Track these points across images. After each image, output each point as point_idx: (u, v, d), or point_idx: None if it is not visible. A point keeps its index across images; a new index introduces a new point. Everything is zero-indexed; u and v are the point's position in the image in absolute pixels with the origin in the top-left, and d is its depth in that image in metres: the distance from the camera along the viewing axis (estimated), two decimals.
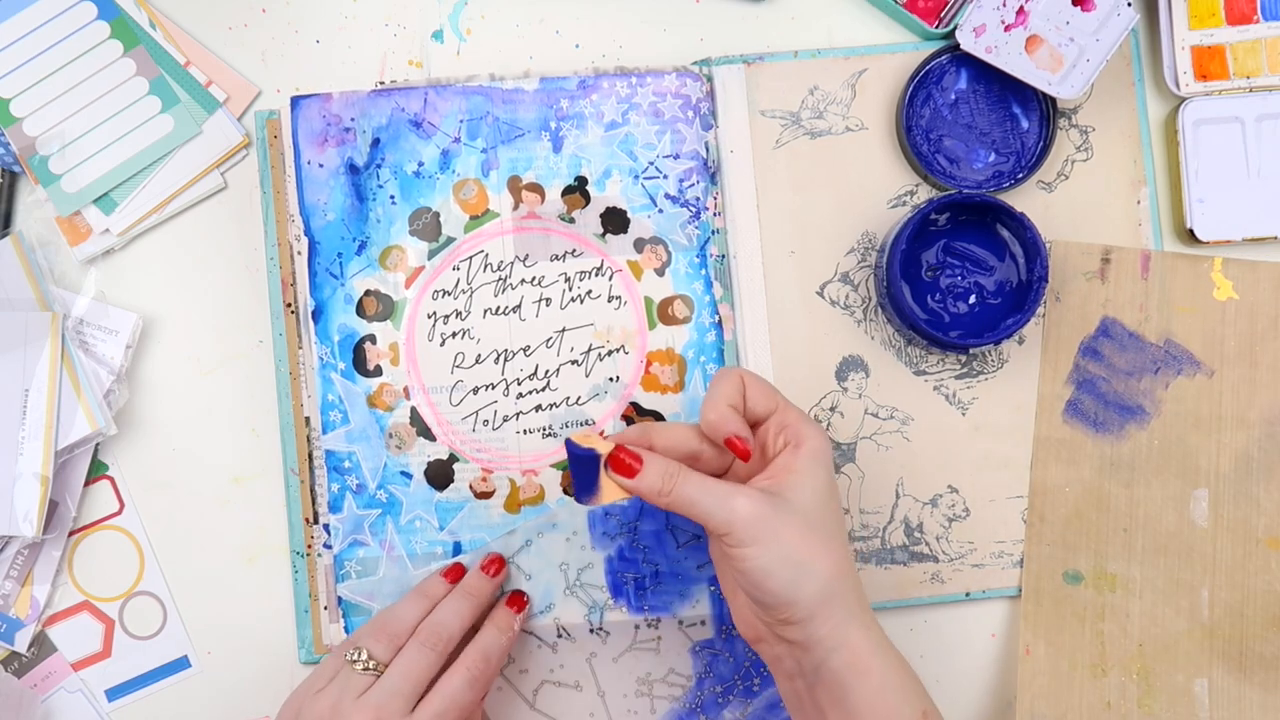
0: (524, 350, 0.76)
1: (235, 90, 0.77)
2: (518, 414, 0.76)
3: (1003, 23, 0.74)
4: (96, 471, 0.77)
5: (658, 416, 0.76)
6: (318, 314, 0.75)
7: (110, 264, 0.77)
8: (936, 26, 0.77)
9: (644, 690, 0.77)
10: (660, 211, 0.76)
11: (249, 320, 0.77)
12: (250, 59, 0.78)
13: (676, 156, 0.76)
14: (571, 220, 0.76)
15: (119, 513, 0.77)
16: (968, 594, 0.78)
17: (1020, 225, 0.74)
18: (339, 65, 0.78)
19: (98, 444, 0.76)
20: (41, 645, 0.77)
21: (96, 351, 0.76)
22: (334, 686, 0.68)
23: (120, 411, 0.76)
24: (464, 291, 0.76)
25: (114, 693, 0.77)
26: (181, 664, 0.77)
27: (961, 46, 0.75)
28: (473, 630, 0.72)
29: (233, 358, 0.77)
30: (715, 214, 0.76)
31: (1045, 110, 0.77)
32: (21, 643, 0.76)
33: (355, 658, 0.68)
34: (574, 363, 0.76)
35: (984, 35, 0.74)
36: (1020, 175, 0.77)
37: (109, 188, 0.76)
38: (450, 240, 0.76)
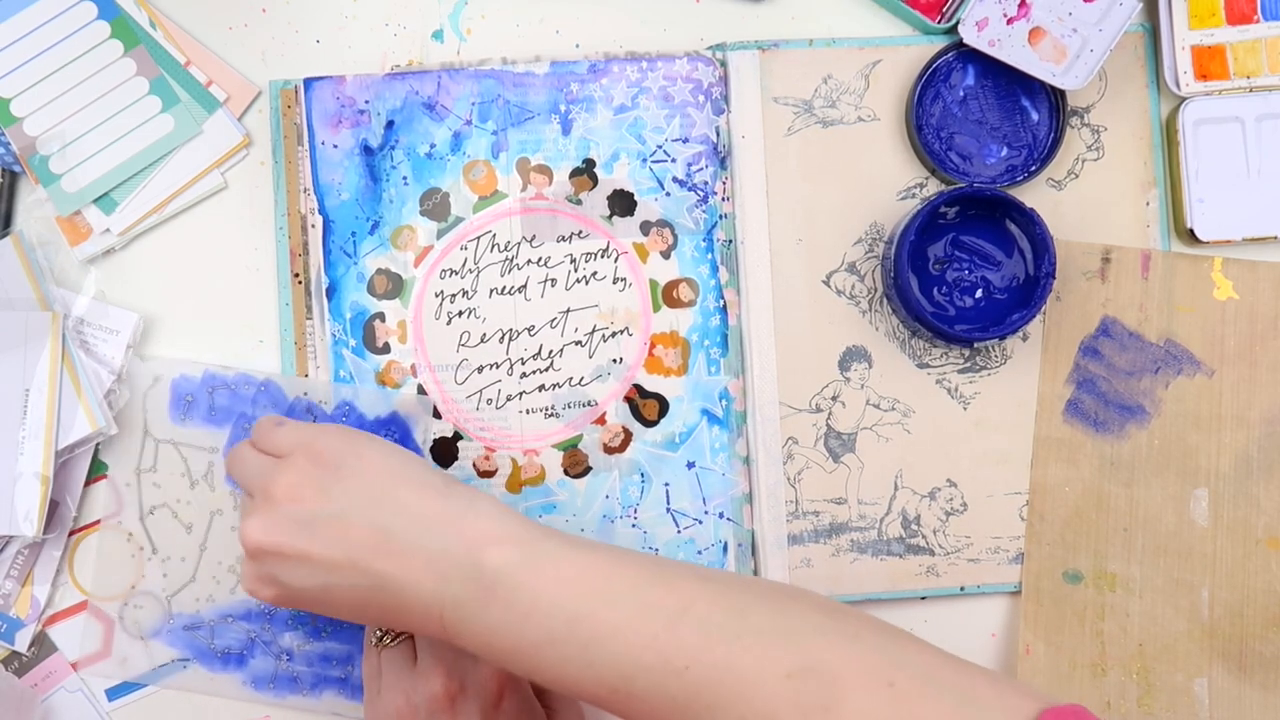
0: (528, 330, 0.76)
1: (235, 90, 0.78)
2: (521, 393, 0.76)
3: (1005, 15, 0.76)
4: (96, 471, 0.77)
5: (660, 399, 0.76)
6: (331, 292, 0.76)
7: (110, 264, 0.78)
8: (939, 21, 0.78)
9: None
10: (668, 195, 0.77)
11: (250, 320, 0.78)
12: (250, 59, 0.78)
13: (685, 140, 0.77)
14: (579, 202, 0.77)
15: (119, 512, 0.77)
16: (962, 588, 0.78)
17: (1029, 221, 0.75)
18: (339, 65, 0.78)
19: (98, 444, 0.76)
20: (41, 645, 0.76)
21: (97, 351, 0.76)
22: (388, 676, 0.66)
23: (120, 411, 0.76)
24: (471, 271, 0.76)
25: (114, 693, 0.77)
26: (182, 663, 0.77)
27: (964, 41, 0.76)
28: None
29: (234, 357, 0.78)
30: (724, 199, 0.77)
31: (1054, 101, 0.78)
32: (21, 643, 0.75)
33: (381, 635, 0.67)
34: (578, 343, 0.76)
35: (986, 29, 0.76)
36: (1033, 168, 0.78)
37: (109, 187, 0.76)
38: (459, 220, 0.76)
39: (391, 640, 0.67)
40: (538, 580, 0.57)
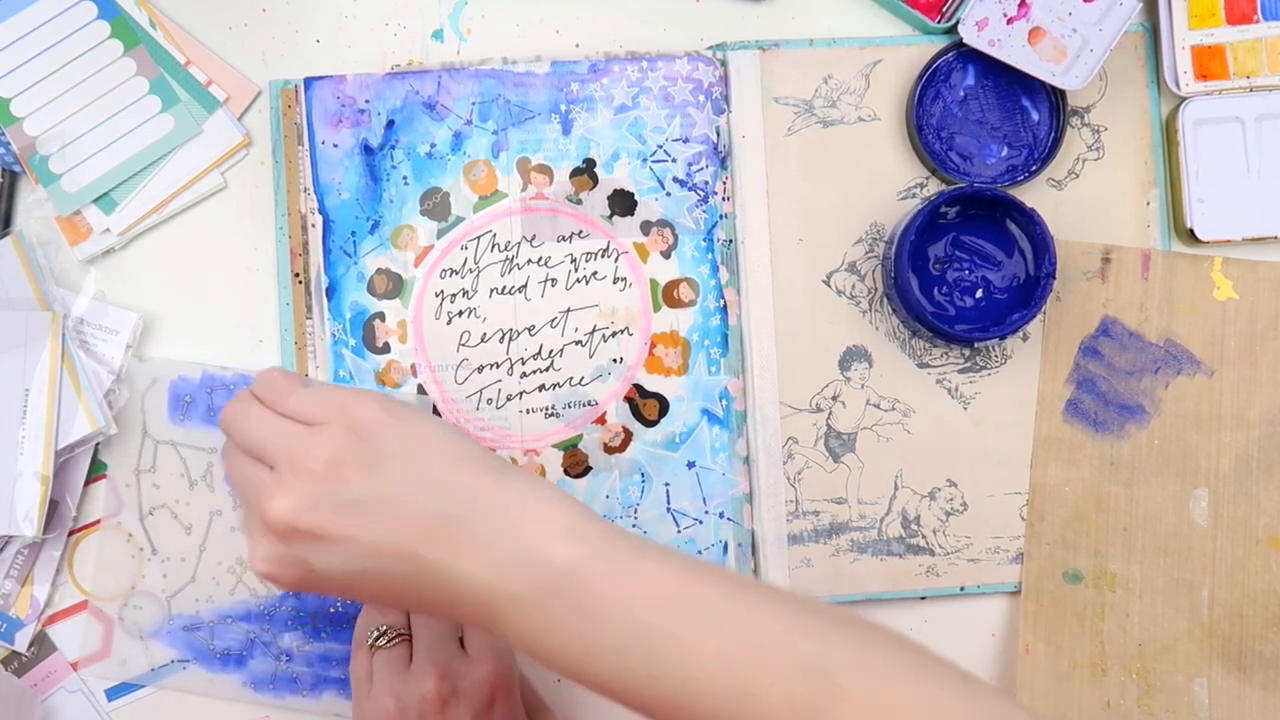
0: (529, 330, 0.76)
1: (235, 90, 0.78)
2: (521, 393, 0.76)
3: (1005, 15, 0.76)
4: (96, 471, 0.77)
5: (660, 398, 0.76)
6: (331, 291, 0.76)
7: (110, 264, 0.78)
8: (939, 21, 0.78)
9: None
10: (668, 195, 0.77)
11: (250, 320, 0.78)
12: (250, 59, 0.78)
13: (686, 140, 0.77)
14: (579, 202, 0.77)
15: (119, 512, 0.77)
16: (962, 588, 0.78)
17: (1029, 220, 0.75)
18: (339, 65, 0.78)
19: (97, 444, 0.76)
20: (41, 645, 0.76)
21: (97, 351, 0.76)
22: (379, 677, 0.65)
23: (120, 411, 0.76)
24: (471, 271, 0.76)
25: (114, 693, 0.77)
26: (182, 664, 0.77)
27: (964, 41, 0.76)
28: None
29: (233, 357, 0.77)
30: (724, 199, 0.77)
31: (1055, 101, 0.78)
32: (21, 642, 0.75)
33: (376, 637, 0.67)
34: (578, 343, 0.76)
35: (986, 29, 0.76)
36: (1034, 168, 0.78)
37: (109, 187, 0.76)
38: (459, 220, 0.76)
39: (386, 642, 0.67)
40: (609, 585, 0.53)
